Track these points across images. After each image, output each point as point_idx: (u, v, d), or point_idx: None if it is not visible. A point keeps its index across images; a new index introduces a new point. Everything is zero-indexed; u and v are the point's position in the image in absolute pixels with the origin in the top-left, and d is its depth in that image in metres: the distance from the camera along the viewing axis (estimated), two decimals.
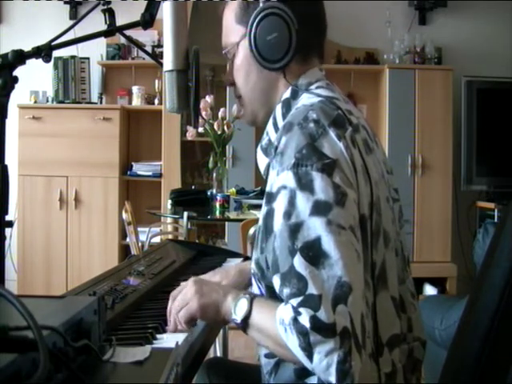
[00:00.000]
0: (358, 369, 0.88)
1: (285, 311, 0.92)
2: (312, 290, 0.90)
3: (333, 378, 0.88)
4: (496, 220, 3.99)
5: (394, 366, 1.03)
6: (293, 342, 0.90)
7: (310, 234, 0.93)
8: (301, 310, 0.90)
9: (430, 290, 4.23)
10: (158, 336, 1.05)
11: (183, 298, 1.09)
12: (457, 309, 2.24)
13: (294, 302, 0.91)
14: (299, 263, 0.92)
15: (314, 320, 0.88)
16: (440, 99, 4.33)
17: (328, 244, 0.92)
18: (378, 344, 1.00)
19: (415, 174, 4.32)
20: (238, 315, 1.02)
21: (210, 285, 1.12)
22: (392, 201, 1.13)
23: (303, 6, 1.12)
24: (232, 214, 2.95)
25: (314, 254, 0.92)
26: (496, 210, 4.05)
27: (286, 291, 0.93)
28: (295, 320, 0.90)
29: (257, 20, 1.09)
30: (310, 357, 0.89)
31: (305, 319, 0.89)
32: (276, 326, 0.93)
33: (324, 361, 0.88)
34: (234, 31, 1.16)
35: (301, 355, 0.90)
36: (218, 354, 2.79)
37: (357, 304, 0.91)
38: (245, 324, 1.01)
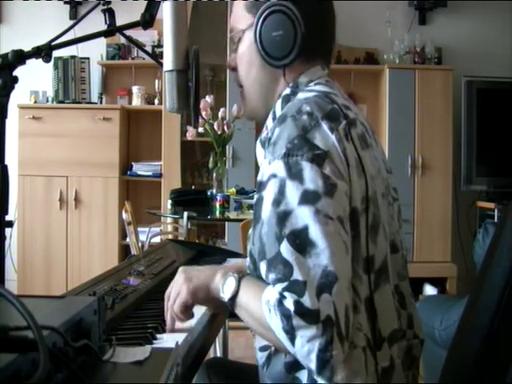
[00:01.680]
0: (339, 359, 0.89)
1: (271, 293, 0.93)
2: (297, 275, 0.91)
3: (313, 365, 0.89)
4: (496, 220, 3.99)
5: (392, 361, 1.03)
6: (276, 324, 0.91)
7: (297, 222, 0.94)
8: (286, 294, 0.91)
9: (429, 290, 4.23)
10: (158, 336, 1.05)
11: (175, 289, 1.10)
12: (457, 309, 2.24)
13: (279, 287, 0.92)
14: (286, 249, 0.93)
15: (298, 305, 0.89)
16: (440, 99, 4.33)
17: (315, 233, 0.92)
18: (378, 338, 1.01)
19: (415, 174, 4.32)
20: (225, 293, 1.03)
21: (199, 268, 1.13)
22: (392, 200, 1.13)
23: (312, 9, 1.12)
24: (232, 214, 2.95)
25: (300, 242, 0.93)
26: (496, 210, 4.05)
27: (272, 276, 0.94)
28: (280, 302, 0.91)
29: (264, 14, 1.09)
30: (292, 340, 0.90)
31: (289, 302, 0.90)
32: (261, 306, 0.94)
33: (306, 346, 0.89)
34: (242, 18, 1.17)
35: (283, 337, 0.91)
36: (218, 354, 2.79)
37: (341, 294, 0.91)
38: (232, 303, 1.02)
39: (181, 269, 1.13)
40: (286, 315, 0.90)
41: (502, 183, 4.33)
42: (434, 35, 4.58)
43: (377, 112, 4.53)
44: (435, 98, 4.33)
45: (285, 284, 0.92)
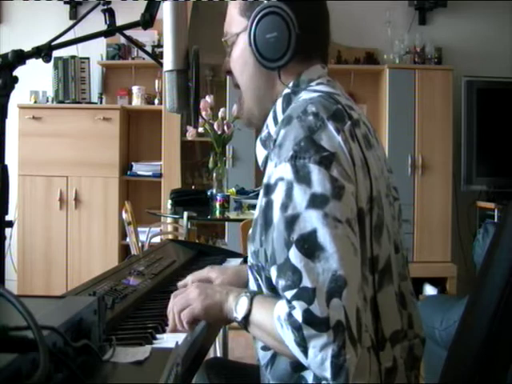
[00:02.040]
0: (353, 363, 0.89)
1: (281, 307, 0.93)
2: (306, 282, 0.91)
3: (328, 373, 0.89)
4: (496, 220, 3.99)
5: (395, 362, 1.03)
6: (289, 338, 0.91)
7: (306, 226, 0.93)
8: (294, 303, 0.91)
9: (429, 290, 4.23)
10: (158, 336, 1.05)
11: (186, 299, 1.10)
12: (457, 309, 2.24)
13: (289, 294, 0.92)
14: (294, 255, 0.93)
15: (306, 314, 0.89)
16: (440, 99, 4.33)
17: (324, 237, 0.92)
18: (380, 338, 1.01)
19: (415, 173, 4.32)
20: (238, 313, 1.03)
21: (213, 287, 1.14)
22: (393, 199, 1.13)
23: (307, 9, 1.12)
24: (232, 214, 2.95)
25: (309, 246, 0.92)
26: (496, 210, 4.05)
27: (282, 283, 0.94)
28: (289, 315, 0.91)
29: (258, 16, 1.09)
30: (305, 352, 0.90)
31: (298, 313, 0.90)
32: (274, 323, 0.94)
33: (319, 355, 0.88)
34: (236, 21, 1.17)
35: (296, 351, 0.91)
36: (218, 354, 2.79)
37: (352, 298, 0.91)
38: (246, 322, 1.02)
39: (195, 284, 1.15)
40: (296, 327, 0.90)
41: (502, 183, 4.33)
42: (434, 35, 4.58)
43: (377, 112, 4.53)
44: (435, 98, 4.33)
45: (294, 291, 0.91)
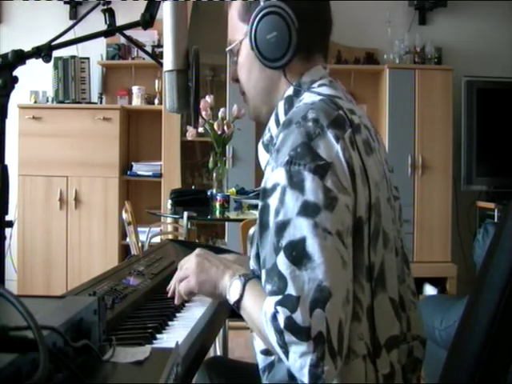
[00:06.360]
0: (331, 375, 0.90)
1: (269, 304, 0.94)
2: (291, 290, 0.91)
3: (306, 379, 0.90)
4: (496, 220, 3.99)
5: (392, 368, 1.03)
6: (272, 337, 0.93)
7: (295, 233, 0.93)
8: (278, 308, 0.92)
9: (430, 290, 4.23)
10: (158, 336, 1.05)
11: (185, 271, 1.16)
12: (457, 309, 2.24)
13: (274, 299, 0.93)
14: (282, 262, 0.93)
15: (288, 321, 0.90)
16: (440, 99, 4.34)
17: (312, 246, 0.92)
18: (376, 345, 1.00)
19: (415, 174, 4.32)
20: (231, 296, 1.06)
21: (213, 259, 1.16)
22: (394, 199, 1.13)
23: (305, 4, 1.11)
24: (232, 214, 2.95)
25: (297, 253, 0.93)
26: (496, 210, 4.05)
27: (268, 288, 0.95)
28: (274, 317, 0.92)
29: (257, 19, 1.09)
30: (286, 354, 0.92)
31: (281, 318, 0.91)
32: (261, 315, 0.96)
33: (298, 361, 0.90)
34: (237, 29, 1.17)
35: (279, 351, 0.93)
36: (218, 354, 2.79)
37: (335, 310, 0.91)
38: (237, 305, 1.05)
39: (197, 252, 1.19)
40: (278, 331, 0.91)
41: (502, 183, 4.33)
42: (434, 35, 4.58)
43: (377, 112, 4.53)
44: (435, 98, 4.33)
45: (279, 297, 0.92)
